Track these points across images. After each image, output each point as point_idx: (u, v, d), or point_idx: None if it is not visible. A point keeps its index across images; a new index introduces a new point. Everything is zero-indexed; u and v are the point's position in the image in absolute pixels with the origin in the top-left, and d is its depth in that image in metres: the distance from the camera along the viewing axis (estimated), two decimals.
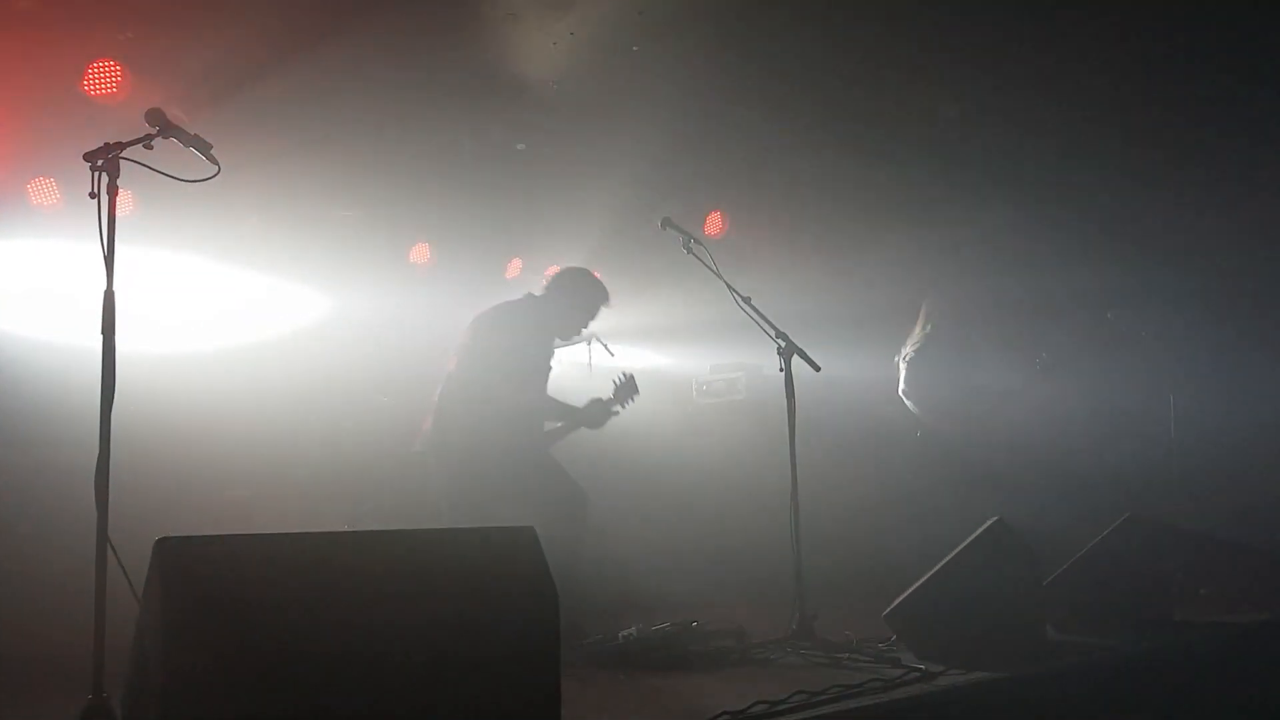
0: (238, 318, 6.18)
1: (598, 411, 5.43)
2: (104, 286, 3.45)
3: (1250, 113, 7.06)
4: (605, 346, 6.75)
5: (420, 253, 6.98)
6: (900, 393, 6.75)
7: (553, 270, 5.83)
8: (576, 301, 5.46)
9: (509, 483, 5.08)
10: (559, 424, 5.47)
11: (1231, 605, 5.68)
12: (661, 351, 7.82)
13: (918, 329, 6.81)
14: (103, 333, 3.44)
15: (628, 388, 5.51)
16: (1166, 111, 6.96)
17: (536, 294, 5.49)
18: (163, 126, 3.62)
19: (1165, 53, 6.40)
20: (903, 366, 6.75)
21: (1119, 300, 7.63)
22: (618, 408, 5.48)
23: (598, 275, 5.61)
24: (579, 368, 6.85)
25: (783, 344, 5.06)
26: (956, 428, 6.58)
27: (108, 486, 3.36)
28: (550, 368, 5.48)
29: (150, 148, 3.60)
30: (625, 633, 4.64)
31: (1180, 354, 7.29)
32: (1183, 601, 5.50)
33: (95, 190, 3.43)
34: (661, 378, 7.76)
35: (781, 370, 5.05)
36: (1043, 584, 4.96)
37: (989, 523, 4.81)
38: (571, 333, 5.53)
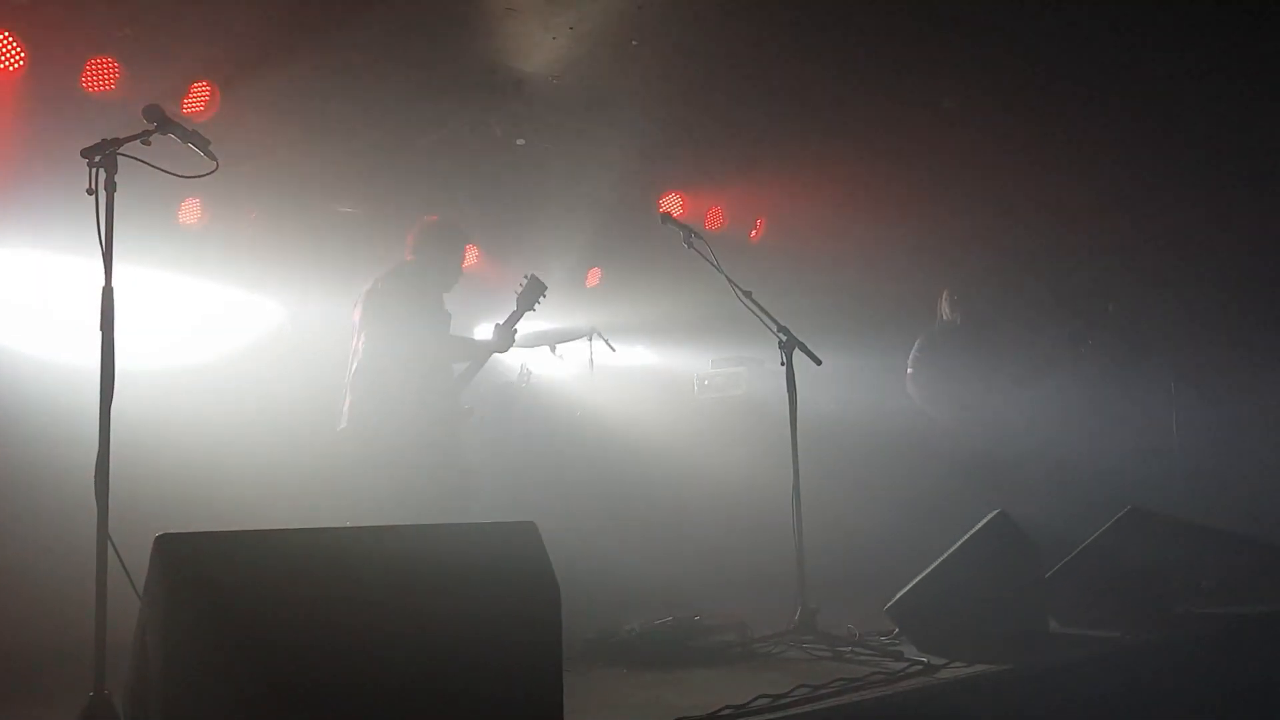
0: (239, 315, 6.17)
1: (502, 335, 5.49)
2: (103, 283, 3.43)
3: (1257, 111, 7.03)
4: (607, 342, 6.76)
5: None
6: (908, 386, 6.76)
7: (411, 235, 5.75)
8: (441, 251, 5.49)
9: (415, 467, 5.10)
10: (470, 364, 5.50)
11: (1233, 597, 5.68)
12: (662, 346, 7.81)
13: (936, 320, 6.83)
14: (101, 329, 3.42)
15: (534, 287, 5.51)
16: (1173, 107, 6.95)
17: (408, 259, 5.50)
18: (161, 122, 3.60)
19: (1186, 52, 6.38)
20: (910, 361, 6.76)
21: (1120, 293, 7.63)
22: (518, 325, 5.49)
23: (435, 219, 5.63)
24: (579, 365, 6.86)
25: (784, 338, 5.05)
26: (958, 416, 6.59)
27: (108, 483, 3.35)
28: (449, 316, 5.49)
29: (148, 144, 3.57)
30: (627, 628, 4.65)
31: (1182, 346, 7.29)
32: (1184, 594, 5.50)
33: (93, 186, 3.42)
34: (662, 372, 7.76)
35: (783, 364, 5.04)
36: (1045, 577, 4.97)
37: (991, 516, 4.81)
38: (452, 281, 5.54)
